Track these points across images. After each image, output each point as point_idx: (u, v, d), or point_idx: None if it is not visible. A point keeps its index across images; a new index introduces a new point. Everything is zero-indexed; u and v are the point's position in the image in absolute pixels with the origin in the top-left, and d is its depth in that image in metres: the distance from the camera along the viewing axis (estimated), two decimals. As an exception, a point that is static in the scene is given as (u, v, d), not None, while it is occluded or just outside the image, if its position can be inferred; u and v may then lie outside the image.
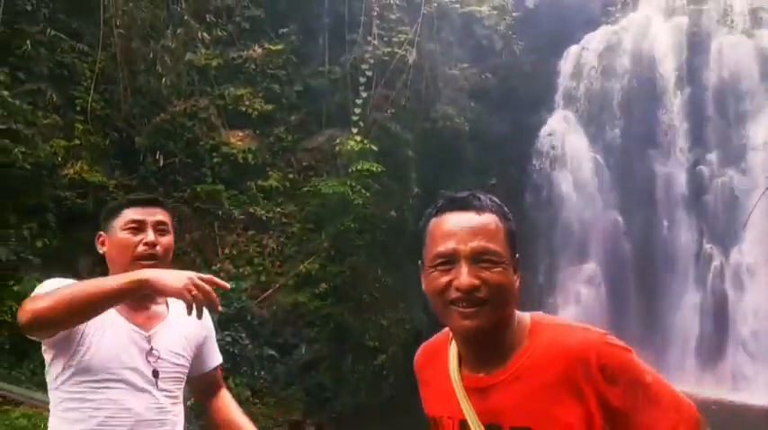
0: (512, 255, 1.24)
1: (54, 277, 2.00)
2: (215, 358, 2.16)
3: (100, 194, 12.89)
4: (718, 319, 21.68)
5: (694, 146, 23.20)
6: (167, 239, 1.98)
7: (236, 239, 15.15)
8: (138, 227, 1.92)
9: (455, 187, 20.54)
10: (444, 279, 1.21)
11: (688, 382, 20.75)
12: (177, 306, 1.93)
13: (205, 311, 1.87)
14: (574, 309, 22.11)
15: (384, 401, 14.92)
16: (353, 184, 15.14)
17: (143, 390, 1.82)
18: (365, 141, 15.56)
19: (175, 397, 1.91)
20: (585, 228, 22.91)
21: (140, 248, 1.90)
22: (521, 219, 21.46)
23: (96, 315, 1.71)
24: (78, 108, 13.16)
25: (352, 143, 15.35)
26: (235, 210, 15.22)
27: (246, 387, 12.65)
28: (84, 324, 1.80)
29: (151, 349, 1.86)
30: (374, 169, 15.34)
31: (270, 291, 14.68)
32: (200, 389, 2.17)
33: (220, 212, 14.95)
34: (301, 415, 13.48)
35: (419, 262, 1.32)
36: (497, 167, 21.78)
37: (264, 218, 15.54)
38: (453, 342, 1.32)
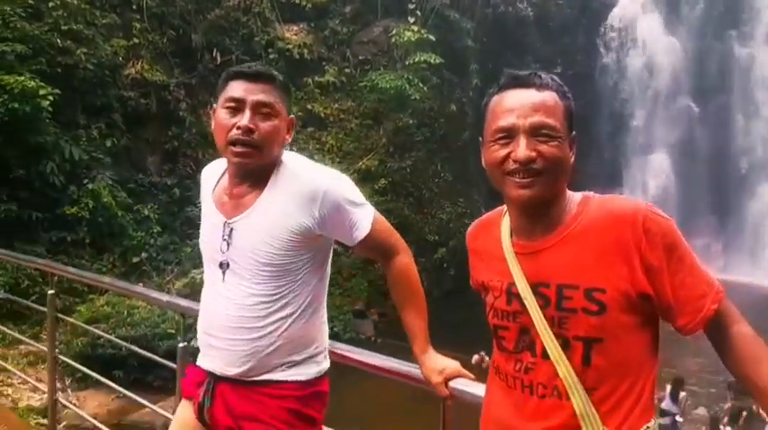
0: (568, 132, 1.29)
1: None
2: (352, 235, 1.75)
3: (161, 94, 13.10)
4: (795, 210, 20.83)
5: (780, 24, 21.39)
6: (269, 125, 1.68)
7: (295, 137, 15.09)
8: (237, 106, 1.68)
9: (517, 77, 19.79)
10: (503, 152, 1.28)
11: (763, 274, 20.30)
12: (276, 187, 1.72)
13: (321, 191, 1.69)
14: (641, 200, 21.59)
15: (445, 293, 15.29)
16: (411, 78, 14.77)
17: (221, 280, 1.73)
18: (422, 31, 14.99)
19: (263, 296, 1.71)
20: (656, 115, 21.90)
21: (233, 132, 1.66)
22: (587, 107, 20.64)
23: None
24: (135, 6, 13.12)
25: (408, 34, 14.82)
26: (293, 107, 15.19)
27: (312, 278, 13.16)
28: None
29: (229, 238, 1.71)
30: (432, 60, 14.85)
31: (330, 186, 14.89)
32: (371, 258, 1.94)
33: (279, 109, 14.97)
34: (364, 304, 14.02)
35: (479, 138, 1.37)
36: (563, 55, 20.73)
37: (322, 114, 15.50)
38: (506, 215, 1.41)
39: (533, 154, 1.24)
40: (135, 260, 11.46)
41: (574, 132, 1.31)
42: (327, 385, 1.84)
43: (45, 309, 3.67)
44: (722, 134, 21.41)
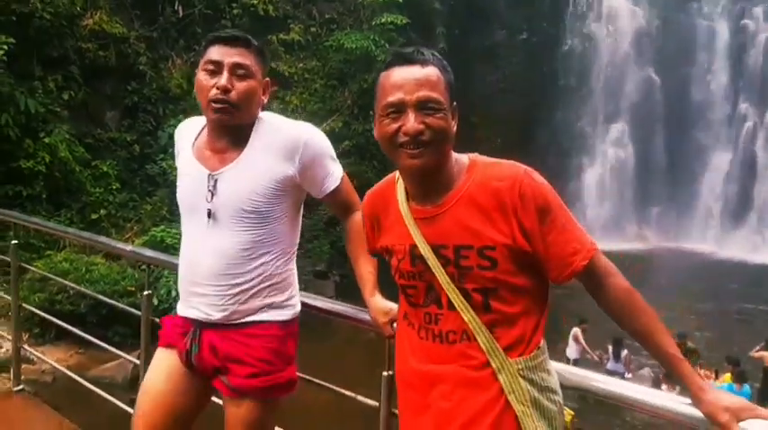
0: (450, 103, 1.43)
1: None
2: (323, 186, 1.92)
3: (121, 47, 12.74)
4: (745, 181, 21.58)
5: (741, -2, 21.81)
6: (245, 85, 1.80)
7: (259, 95, 15.02)
8: (215, 68, 1.80)
9: (484, 42, 19.79)
10: (394, 125, 1.40)
11: (710, 242, 21.07)
12: (259, 141, 1.85)
13: (300, 142, 1.85)
14: (600, 169, 22.07)
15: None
16: (377, 39, 14.65)
17: (205, 230, 1.83)
18: (390, -8, 14.84)
19: (246, 243, 1.83)
20: (618, 86, 22.23)
21: (212, 93, 1.78)
22: (550, 75, 20.78)
23: None
24: (92, -46, 12.61)
25: (376, -7, 14.66)
26: (258, 65, 14.95)
27: (274, 238, 13.18)
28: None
29: (214, 189, 1.81)
30: (398, 21, 14.75)
31: (294, 147, 14.78)
32: (331, 211, 2.10)
33: (242, 67, 14.68)
34: (326, 266, 14.14)
35: (371, 112, 1.50)
36: (529, 21, 20.78)
37: (287, 73, 15.29)
38: (400, 181, 1.54)
39: (421, 126, 1.37)
40: (94, 217, 11.29)
41: (455, 103, 1.44)
42: (298, 326, 2.01)
43: (8, 259, 3.67)
44: (682, 105, 21.91)
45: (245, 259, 1.84)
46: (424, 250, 1.45)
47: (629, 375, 9.54)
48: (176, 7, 13.96)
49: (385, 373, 1.91)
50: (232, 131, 1.85)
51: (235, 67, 1.79)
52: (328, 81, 15.66)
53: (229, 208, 1.82)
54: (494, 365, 1.40)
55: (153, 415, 1.89)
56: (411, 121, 1.37)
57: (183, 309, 1.95)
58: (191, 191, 1.87)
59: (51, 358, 7.84)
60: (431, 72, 1.41)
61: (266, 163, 1.83)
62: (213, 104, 1.78)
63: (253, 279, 1.86)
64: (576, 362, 8.94)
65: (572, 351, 9.58)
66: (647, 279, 15.19)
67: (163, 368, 1.94)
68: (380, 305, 1.85)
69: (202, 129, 1.95)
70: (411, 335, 1.54)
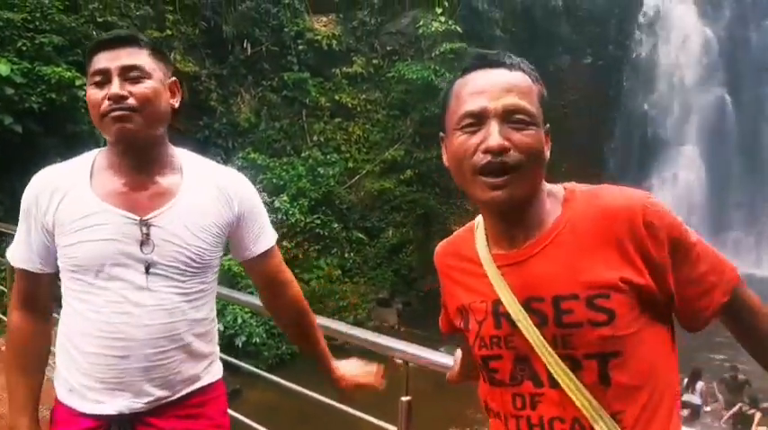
0: (543, 120, 1.11)
1: None
2: (256, 244, 1.66)
3: (193, 84, 13.36)
4: (830, 204, 20.39)
5: (820, 12, 20.88)
6: (143, 87, 1.47)
7: (323, 127, 15.41)
8: (103, 78, 1.47)
9: (547, 67, 19.65)
10: (472, 142, 1.08)
11: (790, 268, 19.92)
12: (193, 176, 1.57)
13: (239, 188, 1.61)
14: (670, 193, 21.35)
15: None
16: (437, 68, 14.82)
17: (141, 288, 1.47)
18: (450, 22, 15.01)
19: (191, 294, 1.53)
20: (688, 107, 21.56)
21: (104, 105, 1.45)
22: (617, 98, 20.41)
23: None
24: (167, -2, 13.38)
25: (436, 24, 14.86)
26: (321, 98, 15.37)
27: (337, 267, 13.37)
28: (60, 222, 1.50)
29: (147, 237, 1.46)
30: (459, 50, 14.89)
31: (357, 177, 15.05)
32: (256, 283, 1.75)
33: (307, 100, 15.13)
34: (389, 293, 14.18)
35: (440, 134, 1.18)
36: (594, 45, 20.50)
37: (350, 105, 15.63)
38: (480, 226, 1.22)
39: (507, 143, 1.05)
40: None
41: (548, 125, 1.13)
42: None
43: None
44: (756, 126, 21.03)
45: (188, 313, 1.53)
46: (511, 306, 1.09)
47: (708, 408, 9.11)
48: (245, 45, 14.57)
49: (403, 398, 1.90)
50: (149, 155, 1.54)
51: (125, 71, 1.47)
52: (390, 111, 15.90)
53: (170, 257, 1.48)
54: None
55: None
56: (495, 135, 1.04)
57: (93, 405, 1.49)
58: (109, 245, 1.46)
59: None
60: (521, 77, 1.10)
61: (207, 203, 1.55)
62: (114, 121, 1.45)
63: (199, 334, 1.57)
64: None
65: None
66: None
67: None
68: (340, 372, 1.76)
69: (92, 168, 1.56)
70: None
